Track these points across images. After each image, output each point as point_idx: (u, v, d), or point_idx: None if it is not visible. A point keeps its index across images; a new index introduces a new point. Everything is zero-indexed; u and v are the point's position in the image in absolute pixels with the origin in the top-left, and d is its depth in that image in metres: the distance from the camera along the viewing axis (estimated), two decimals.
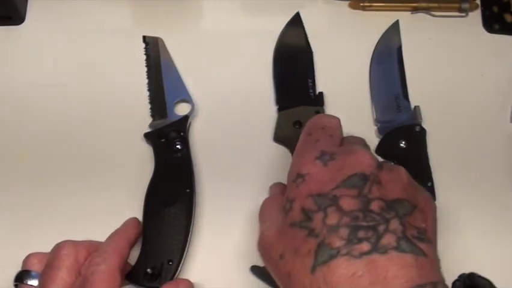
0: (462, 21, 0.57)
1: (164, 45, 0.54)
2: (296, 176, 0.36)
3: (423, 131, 0.50)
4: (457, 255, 0.46)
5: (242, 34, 0.55)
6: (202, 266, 0.45)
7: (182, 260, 0.43)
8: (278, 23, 0.56)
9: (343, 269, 0.31)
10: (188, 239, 0.44)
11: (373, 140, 0.50)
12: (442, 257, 0.43)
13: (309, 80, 0.52)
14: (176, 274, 0.43)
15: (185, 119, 0.49)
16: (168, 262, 0.43)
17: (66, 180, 0.48)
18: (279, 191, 0.42)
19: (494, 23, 0.57)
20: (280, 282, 0.36)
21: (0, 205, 0.48)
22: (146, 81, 0.52)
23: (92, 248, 0.40)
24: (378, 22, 0.57)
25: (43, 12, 0.56)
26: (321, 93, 0.51)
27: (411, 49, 0.56)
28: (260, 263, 0.44)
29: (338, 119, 0.42)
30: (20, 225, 0.47)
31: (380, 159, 0.37)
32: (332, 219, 0.33)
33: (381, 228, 0.32)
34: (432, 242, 0.34)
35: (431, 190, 0.47)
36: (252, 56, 0.54)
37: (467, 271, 0.46)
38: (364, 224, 0.32)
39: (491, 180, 0.50)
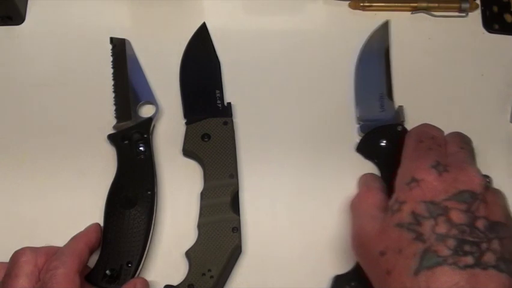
0: (462, 21, 0.57)
1: (131, 46, 0.54)
2: (411, 180, 0.38)
3: (405, 131, 0.49)
4: None
5: (243, 34, 0.55)
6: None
7: (142, 262, 0.44)
8: (279, 23, 0.56)
9: (447, 277, 0.33)
10: (148, 241, 0.44)
11: (355, 138, 0.50)
12: None
13: (217, 91, 0.51)
14: (135, 276, 0.43)
15: (149, 121, 0.49)
16: (127, 264, 0.43)
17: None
18: (378, 186, 0.43)
19: (494, 23, 0.57)
20: (376, 277, 0.38)
21: None
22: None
23: (51, 253, 0.40)
24: (378, 22, 0.57)
25: (43, 12, 0.56)
26: (229, 104, 0.51)
27: (411, 49, 0.56)
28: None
29: (442, 131, 0.44)
30: None
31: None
32: (442, 228, 0.35)
33: (484, 245, 0.34)
34: None
35: None
36: (250, 57, 0.54)
37: None
38: (470, 239, 0.34)
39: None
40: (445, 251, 0.34)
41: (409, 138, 0.44)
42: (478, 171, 0.38)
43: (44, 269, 0.39)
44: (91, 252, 0.42)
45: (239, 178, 0.48)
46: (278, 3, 0.57)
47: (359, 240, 0.39)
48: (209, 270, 0.43)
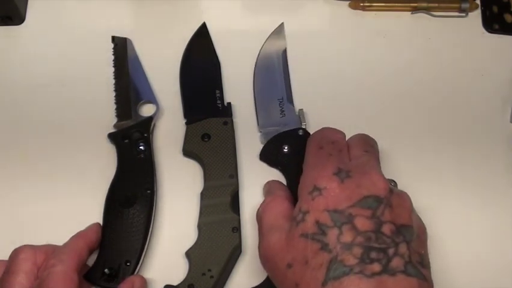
0: (462, 21, 0.57)
1: (132, 45, 0.54)
2: (313, 189, 0.37)
3: (306, 135, 0.49)
4: (456, 263, 0.46)
5: (242, 34, 0.55)
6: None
7: (140, 261, 0.44)
8: (278, 23, 0.56)
9: (355, 286, 0.33)
10: (147, 240, 0.44)
11: (259, 147, 0.50)
12: (442, 265, 0.43)
13: (217, 91, 0.51)
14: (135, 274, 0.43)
15: (149, 120, 0.49)
16: (126, 263, 0.43)
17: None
18: (283, 195, 0.42)
19: (494, 23, 0.57)
20: None
21: None
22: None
23: (50, 251, 0.40)
24: (378, 22, 0.57)
25: (43, 12, 0.56)
26: (229, 104, 0.51)
27: (412, 49, 0.56)
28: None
29: (343, 133, 0.43)
30: None
31: None
32: (347, 237, 0.35)
33: (391, 251, 0.34)
34: (429, 267, 0.36)
35: None
36: (250, 57, 0.54)
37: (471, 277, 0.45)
38: (376, 245, 0.34)
39: (491, 180, 0.49)
40: (351, 260, 0.33)
41: (309, 145, 0.43)
42: (382, 174, 0.37)
43: (42, 267, 0.39)
44: (91, 251, 0.42)
45: (239, 178, 0.48)
46: (278, 3, 0.57)
47: (266, 254, 0.38)
48: (209, 270, 0.43)
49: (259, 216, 0.41)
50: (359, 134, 0.44)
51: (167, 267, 0.45)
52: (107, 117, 0.50)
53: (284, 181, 0.48)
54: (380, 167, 0.40)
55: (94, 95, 0.52)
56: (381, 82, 0.54)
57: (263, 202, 0.42)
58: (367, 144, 0.42)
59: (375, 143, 0.43)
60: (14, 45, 0.55)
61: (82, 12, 0.56)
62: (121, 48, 0.53)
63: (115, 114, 0.50)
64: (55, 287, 0.37)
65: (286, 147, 0.48)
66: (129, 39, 0.54)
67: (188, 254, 0.44)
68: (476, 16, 0.57)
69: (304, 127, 0.49)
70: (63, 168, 0.49)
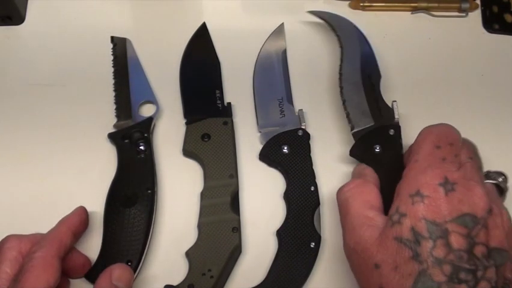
0: (462, 21, 0.57)
1: (132, 45, 0.54)
2: (415, 192, 0.36)
3: (306, 135, 0.49)
4: None
5: (242, 34, 0.55)
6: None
7: (142, 260, 0.44)
8: (279, 24, 0.56)
9: None
10: (148, 240, 0.44)
11: (259, 147, 0.50)
12: None
13: (217, 91, 0.51)
14: (135, 274, 0.43)
15: (149, 120, 0.49)
16: (127, 263, 0.43)
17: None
18: (373, 181, 0.42)
19: (494, 23, 0.57)
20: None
21: None
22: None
23: (36, 240, 0.41)
24: (378, 22, 0.57)
25: (43, 12, 0.56)
26: (229, 104, 0.51)
27: (412, 49, 0.56)
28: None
29: (460, 133, 0.41)
30: None
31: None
32: (439, 252, 0.34)
33: (479, 274, 0.33)
34: None
35: (315, 194, 0.47)
36: (250, 57, 0.54)
37: None
38: (467, 266, 0.34)
39: None
40: (440, 276, 0.33)
41: (426, 140, 0.40)
42: (484, 192, 0.36)
43: (26, 255, 0.40)
44: (76, 235, 0.43)
45: (239, 178, 0.48)
46: (278, 3, 0.57)
47: (356, 248, 0.38)
48: (209, 270, 0.43)
49: (345, 200, 0.40)
50: (464, 138, 0.41)
51: (167, 267, 0.45)
52: (107, 117, 0.50)
53: (283, 182, 0.48)
54: (483, 181, 0.38)
55: (93, 95, 0.52)
56: (380, 82, 0.54)
57: (351, 183, 0.41)
58: (471, 151, 0.41)
59: (477, 149, 0.42)
60: (14, 45, 0.55)
61: (81, 12, 0.56)
62: (121, 48, 0.53)
63: (115, 114, 0.50)
64: (34, 272, 0.37)
65: (285, 148, 0.48)
66: (128, 40, 0.54)
67: (188, 254, 0.44)
68: (476, 16, 0.57)
69: (303, 127, 0.49)
70: (63, 168, 0.49)
